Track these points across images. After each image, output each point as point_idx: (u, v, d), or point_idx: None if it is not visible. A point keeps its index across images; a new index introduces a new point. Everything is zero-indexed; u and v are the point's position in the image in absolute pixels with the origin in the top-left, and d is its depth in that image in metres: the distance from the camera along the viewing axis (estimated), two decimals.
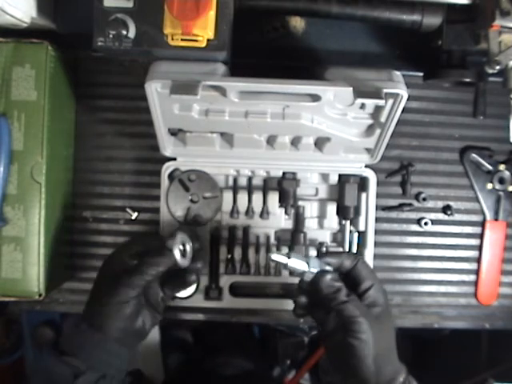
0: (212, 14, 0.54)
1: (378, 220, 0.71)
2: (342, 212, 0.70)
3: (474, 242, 0.75)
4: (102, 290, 0.55)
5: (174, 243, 0.56)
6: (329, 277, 0.52)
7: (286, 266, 0.53)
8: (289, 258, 0.52)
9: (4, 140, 0.62)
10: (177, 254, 0.56)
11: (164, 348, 1.06)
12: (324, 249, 0.70)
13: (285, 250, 0.70)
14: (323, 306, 0.53)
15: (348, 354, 0.50)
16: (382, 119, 0.61)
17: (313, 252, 0.70)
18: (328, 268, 0.53)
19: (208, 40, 0.56)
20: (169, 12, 0.52)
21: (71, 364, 0.51)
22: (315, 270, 0.53)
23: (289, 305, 0.68)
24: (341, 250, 0.70)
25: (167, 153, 0.68)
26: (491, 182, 0.74)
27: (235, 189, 0.70)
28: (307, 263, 0.53)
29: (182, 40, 0.55)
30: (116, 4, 0.56)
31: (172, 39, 0.55)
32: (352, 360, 0.50)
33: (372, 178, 0.70)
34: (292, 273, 0.55)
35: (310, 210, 0.71)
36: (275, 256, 0.53)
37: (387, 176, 0.74)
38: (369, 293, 0.52)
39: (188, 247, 0.58)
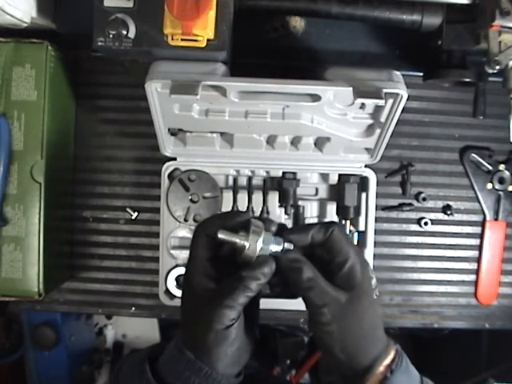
0: (212, 14, 0.55)
1: (377, 220, 0.71)
2: (341, 212, 0.70)
3: (474, 241, 0.75)
4: (198, 310, 0.44)
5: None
6: (287, 257, 0.44)
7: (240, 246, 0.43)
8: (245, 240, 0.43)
9: (4, 140, 0.62)
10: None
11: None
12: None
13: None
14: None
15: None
16: (382, 119, 0.61)
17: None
18: (288, 246, 0.44)
19: (208, 40, 0.56)
20: (169, 12, 0.52)
21: None
22: (275, 249, 0.44)
23: (289, 305, 0.68)
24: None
25: (167, 153, 0.68)
26: (491, 181, 0.74)
27: (235, 189, 0.70)
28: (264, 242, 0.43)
29: (181, 40, 0.55)
30: (116, 4, 0.56)
31: (172, 39, 0.55)
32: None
33: (372, 177, 0.70)
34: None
35: (310, 209, 0.71)
36: (223, 233, 0.43)
37: (387, 176, 0.74)
38: (342, 271, 0.44)
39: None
